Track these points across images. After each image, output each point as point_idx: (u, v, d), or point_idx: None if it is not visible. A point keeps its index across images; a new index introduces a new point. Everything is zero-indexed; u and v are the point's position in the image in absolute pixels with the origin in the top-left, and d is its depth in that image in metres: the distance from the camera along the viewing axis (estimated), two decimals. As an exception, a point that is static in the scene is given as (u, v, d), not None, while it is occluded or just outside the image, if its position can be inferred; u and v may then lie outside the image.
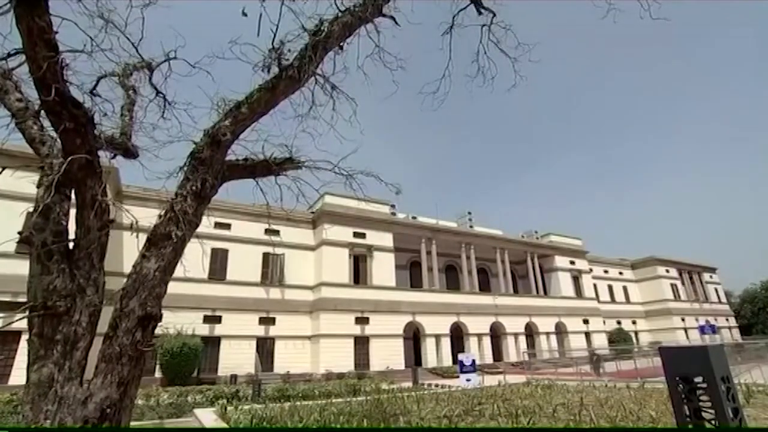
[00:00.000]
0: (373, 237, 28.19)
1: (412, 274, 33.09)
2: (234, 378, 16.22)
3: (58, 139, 3.98)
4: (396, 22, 6.38)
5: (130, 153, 6.33)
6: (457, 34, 7.79)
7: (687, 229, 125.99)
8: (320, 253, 26.44)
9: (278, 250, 25.59)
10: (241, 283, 24.51)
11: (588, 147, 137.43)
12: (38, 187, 4.27)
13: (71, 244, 4.00)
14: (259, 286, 25.06)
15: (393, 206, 31.82)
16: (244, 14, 4.53)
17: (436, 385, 18.08)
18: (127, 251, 22.44)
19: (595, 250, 43.34)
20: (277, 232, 25.72)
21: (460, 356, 14.79)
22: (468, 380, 14.28)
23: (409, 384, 19.87)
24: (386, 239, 28.83)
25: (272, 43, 4.83)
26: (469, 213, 36.88)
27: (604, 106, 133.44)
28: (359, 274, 27.71)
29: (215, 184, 4.45)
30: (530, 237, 39.75)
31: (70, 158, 3.63)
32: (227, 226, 24.90)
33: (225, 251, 24.69)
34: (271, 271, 25.57)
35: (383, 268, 28.00)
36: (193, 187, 4.17)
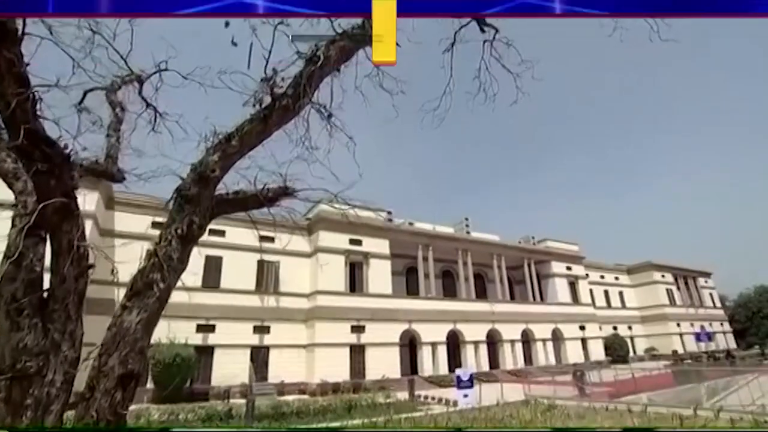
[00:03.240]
0: (370, 244, 27.91)
1: (408, 281, 32.84)
2: (227, 393, 15.93)
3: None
4: (397, 43, 6.10)
5: (115, 178, 6.02)
6: (458, 50, 7.53)
7: (681, 232, 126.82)
8: (316, 261, 26.11)
9: (273, 258, 25.22)
10: (236, 291, 24.14)
11: (585, 151, 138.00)
12: (11, 227, 3.97)
13: (45, 292, 3.71)
14: (254, 294, 24.70)
15: (389, 212, 31.57)
16: (234, 44, 4.25)
17: (432, 398, 17.83)
18: (118, 260, 22.03)
19: (591, 255, 43.32)
20: (272, 239, 25.31)
21: (458, 371, 14.55)
22: (465, 396, 14.03)
23: (405, 395, 19.61)
24: (383, 246, 28.56)
25: (264, 71, 4.56)
26: (466, 219, 36.65)
27: (601, 109, 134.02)
28: (355, 282, 27.42)
29: (203, 224, 4.16)
30: (527, 243, 39.59)
31: (42, 204, 3.34)
32: (221, 233, 24.51)
33: (219, 258, 24.31)
34: (266, 278, 25.23)
35: (380, 275, 27.73)
36: (179, 230, 3.88)
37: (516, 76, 7.83)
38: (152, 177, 4.82)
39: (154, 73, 6.42)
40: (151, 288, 3.67)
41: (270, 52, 4.49)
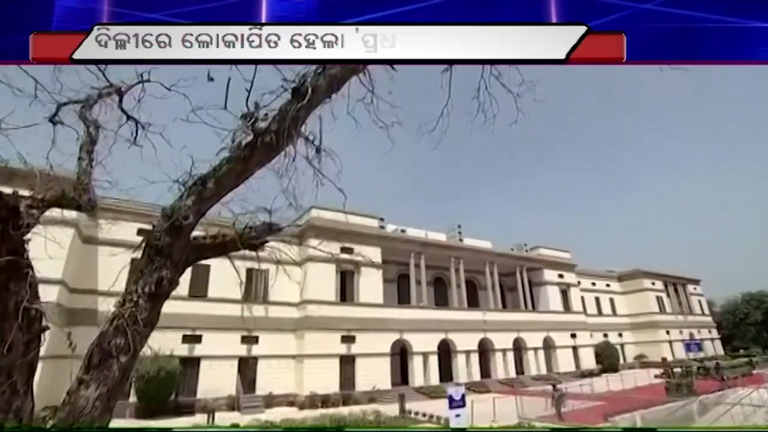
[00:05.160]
0: (361, 252, 27.44)
1: (400, 288, 32.43)
2: (212, 414, 15.38)
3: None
4: (393, 68, 5.73)
5: (84, 209, 5.53)
6: (457, 69, 7.17)
7: (669, 237, 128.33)
8: (306, 269, 25.60)
9: (262, 266, 24.60)
10: (223, 300, 23.55)
11: (580, 155, 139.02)
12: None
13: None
14: (242, 303, 24.10)
15: (382, 219, 31.20)
16: (210, 79, 3.85)
17: (424, 415, 17.49)
18: (102, 269, 21.33)
19: (583, 261, 43.33)
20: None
21: (450, 390, 14.14)
22: (457, 416, 13.67)
23: (395, 407, 19.23)
24: (374, 254, 28.10)
25: (246, 103, 4.14)
26: (459, 226, 36.48)
27: (595, 115, 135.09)
28: (346, 291, 26.97)
29: (175, 278, 3.74)
30: (519, 250, 39.48)
31: (-17, 268, 2.90)
32: (209, 240, 23.92)
33: (206, 267, 23.69)
34: (255, 287, 24.68)
35: (371, 284, 27.30)
36: (146, 289, 3.45)
37: (516, 96, 7.51)
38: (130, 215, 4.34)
39: (136, 84, 5.98)
40: (114, 357, 3.23)
41: (252, 83, 4.09)
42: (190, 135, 5.18)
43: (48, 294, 16.43)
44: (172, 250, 3.68)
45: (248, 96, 4.12)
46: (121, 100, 6.18)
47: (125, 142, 6.34)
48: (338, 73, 4.60)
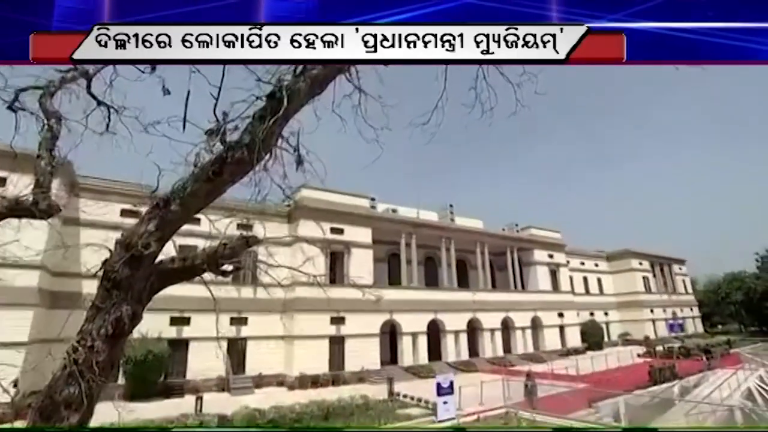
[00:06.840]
0: (352, 232, 27.19)
1: (390, 267, 32.43)
2: (200, 400, 15.36)
3: None
4: (385, 64, 5.24)
5: (39, 216, 5.06)
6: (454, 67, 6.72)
7: (657, 216, 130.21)
8: (295, 250, 25.27)
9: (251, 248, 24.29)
10: (212, 282, 23.21)
11: (572, 137, 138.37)
12: None
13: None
14: (231, 285, 23.87)
15: (373, 199, 30.80)
16: (166, 92, 3.38)
17: (412, 398, 17.69)
18: (85, 250, 20.77)
19: (571, 239, 43.54)
20: (250, 227, 24.36)
21: (438, 378, 14.31)
22: (445, 402, 13.87)
23: (384, 390, 19.44)
24: (365, 235, 27.88)
25: (214, 113, 3.68)
26: (451, 206, 36.28)
27: (589, 101, 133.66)
28: (336, 272, 26.84)
29: (138, 311, 3.38)
30: (511, 230, 39.55)
31: None
32: (196, 221, 23.25)
33: (194, 248, 23.18)
34: (244, 268, 24.42)
35: (361, 265, 27.16)
36: (102, 331, 3.09)
37: (516, 87, 7.06)
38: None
39: (105, 66, 5.41)
40: (65, 410, 2.91)
41: (219, 88, 3.62)
42: (157, 139, 4.70)
43: (29, 279, 15.93)
44: (133, 281, 3.31)
45: (216, 104, 3.66)
46: (89, 85, 5.62)
47: (97, 129, 5.85)
48: (320, 73, 4.12)
